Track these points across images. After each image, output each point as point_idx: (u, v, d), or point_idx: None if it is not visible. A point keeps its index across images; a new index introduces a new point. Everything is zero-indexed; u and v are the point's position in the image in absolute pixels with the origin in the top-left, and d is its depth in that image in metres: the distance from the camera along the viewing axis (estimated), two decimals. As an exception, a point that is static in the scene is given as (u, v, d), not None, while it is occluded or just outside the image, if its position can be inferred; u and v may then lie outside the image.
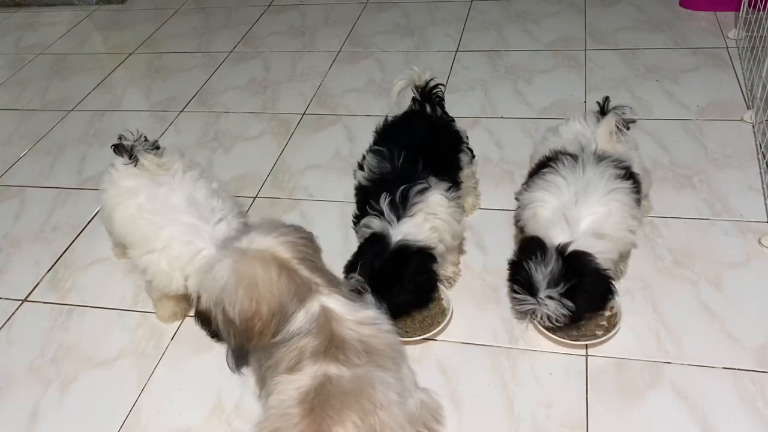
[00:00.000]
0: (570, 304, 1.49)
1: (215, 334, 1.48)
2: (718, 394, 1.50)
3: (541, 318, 1.55)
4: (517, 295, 1.55)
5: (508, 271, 1.63)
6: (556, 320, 1.52)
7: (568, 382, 1.58)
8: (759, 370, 1.54)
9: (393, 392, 1.26)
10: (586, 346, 1.63)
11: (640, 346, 1.63)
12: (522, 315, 1.63)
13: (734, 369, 1.55)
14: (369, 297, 1.53)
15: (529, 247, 1.55)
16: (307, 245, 1.40)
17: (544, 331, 1.65)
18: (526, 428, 1.49)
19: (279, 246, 1.34)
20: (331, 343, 1.28)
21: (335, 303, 1.33)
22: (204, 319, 1.44)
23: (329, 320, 1.30)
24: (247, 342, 1.34)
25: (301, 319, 1.30)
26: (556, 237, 1.54)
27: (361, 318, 1.33)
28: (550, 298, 1.49)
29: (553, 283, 1.49)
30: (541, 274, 1.49)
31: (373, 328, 1.33)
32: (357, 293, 1.51)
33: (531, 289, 1.52)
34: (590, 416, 1.50)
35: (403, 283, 1.57)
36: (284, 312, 1.31)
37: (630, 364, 1.59)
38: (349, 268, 1.61)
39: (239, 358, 1.40)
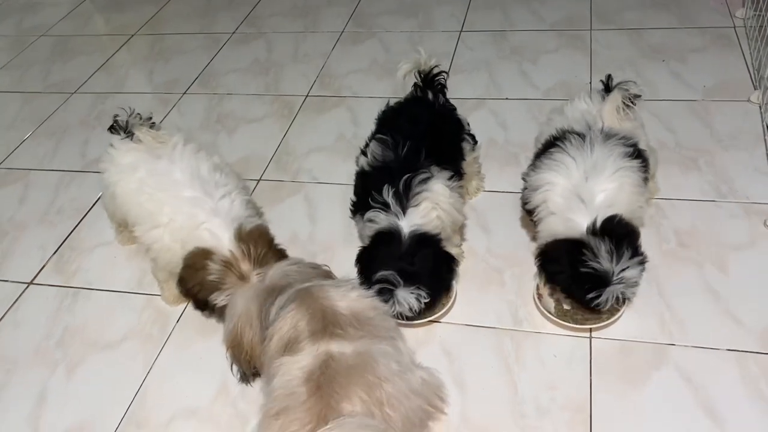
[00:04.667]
0: (643, 257, 1.48)
1: (199, 308, 1.65)
2: (722, 376, 1.51)
3: (621, 296, 1.49)
4: (595, 295, 1.49)
5: (567, 289, 1.57)
6: (635, 284, 1.49)
7: (571, 364, 1.58)
8: (763, 352, 1.54)
9: (393, 362, 1.29)
10: (590, 329, 1.63)
11: (644, 329, 1.63)
12: (608, 310, 1.55)
13: (738, 351, 1.55)
14: (401, 291, 1.54)
15: (569, 252, 1.51)
16: (302, 271, 1.50)
17: (548, 314, 1.65)
18: (530, 410, 1.50)
19: (277, 278, 1.48)
20: (326, 319, 1.30)
21: (311, 283, 1.39)
22: (188, 295, 1.64)
23: (309, 290, 1.33)
24: (247, 366, 1.47)
25: (278, 302, 1.37)
26: (577, 218, 1.52)
27: (337, 283, 1.37)
28: (627, 268, 1.46)
29: (618, 257, 1.46)
30: (605, 261, 1.46)
31: (355, 292, 1.39)
32: (388, 292, 1.53)
33: (604, 279, 1.47)
34: (594, 398, 1.50)
35: (433, 267, 1.58)
36: (267, 317, 1.39)
37: (634, 346, 1.60)
38: (364, 269, 1.61)
39: (245, 377, 1.55)
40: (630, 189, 1.56)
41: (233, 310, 1.46)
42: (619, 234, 1.50)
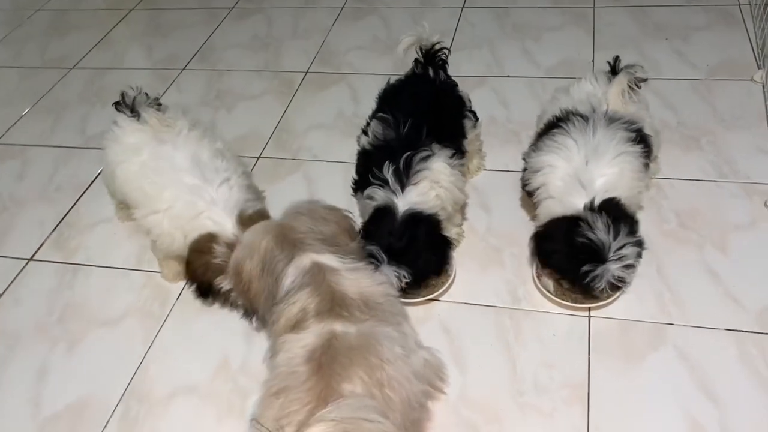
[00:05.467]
0: (641, 240, 1.47)
1: (203, 294, 1.62)
2: (720, 355, 1.52)
3: (615, 278, 1.48)
4: (589, 270, 1.47)
5: (557, 262, 1.57)
6: (630, 267, 1.48)
7: (570, 343, 1.59)
8: (761, 332, 1.55)
9: (397, 346, 1.28)
10: (589, 308, 1.64)
11: (644, 308, 1.63)
12: (602, 290, 1.52)
13: (736, 331, 1.56)
14: (385, 267, 1.53)
15: (564, 227, 1.51)
16: (325, 222, 1.45)
17: (547, 293, 1.66)
18: (529, 388, 1.51)
19: (290, 218, 1.45)
20: (334, 301, 1.30)
21: (327, 259, 1.38)
22: (193, 278, 1.60)
23: (323, 272, 1.34)
24: (244, 299, 1.46)
25: (292, 274, 1.35)
26: (575, 200, 1.52)
27: (352, 267, 1.37)
28: (624, 246, 1.45)
29: (615, 234, 1.45)
30: (601, 233, 1.45)
31: (365, 275, 1.37)
32: (373, 264, 1.52)
33: (600, 254, 1.46)
34: (592, 377, 1.51)
35: (421, 247, 1.57)
36: (273, 270, 1.37)
37: (633, 325, 1.60)
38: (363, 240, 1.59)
39: (248, 314, 1.55)
40: (630, 175, 1.56)
41: (242, 240, 1.46)
42: (617, 213, 1.50)
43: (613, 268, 1.46)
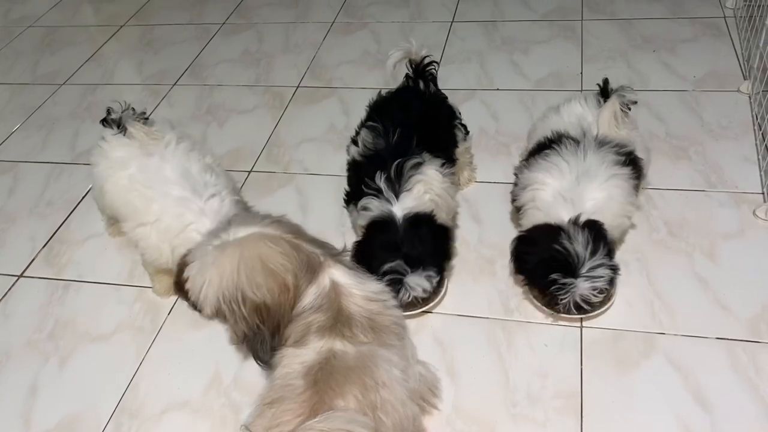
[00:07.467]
0: (617, 267, 1.48)
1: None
2: (711, 363, 1.52)
3: (582, 298, 1.49)
4: (560, 282, 1.48)
5: (528, 267, 1.59)
6: (600, 292, 1.49)
7: (562, 353, 1.59)
8: (751, 340, 1.55)
9: (396, 370, 1.27)
10: (581, 319, 1.64)
11: (635, 317, 1.64)
12: (566, 305, 1.54)
13: (727, 339, 1.56)
14: (411, 277, 1.55)
15: (543, 233, 1.52)
16: (294, 228, 1.39)
17: (539, 304, 1.66)
18: (522, 398, 1.51)
19: (267, 228, 1.31)
20: (338, 319, 1.28)
21: (343, 276, 1.33)
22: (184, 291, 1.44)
23: (339, 295, 1.31)
24: (282, 320, 1.31)
25: (312, 294, 1.30)
26: (560, 214, 1.53)
27: (368, 293, 1.34)
28: (599, 266, 1.46)
29: (593, 251, 1.46)
30: (580, 247, 1.46)
31: (380, 304, 1.35)
32: (396, 281, 1.54)
33: (572, 267, 1.47)
34: (584, 386, 1.51)
35: (433, 243, 1.59)
36: (297, 286, 1.30)
37: (624, 335, 1.61)
38: (364, 263, 1.55)
39: (272, 346, 1.34)
40: (620, 199, 1.57)
41: (258, 257, 1.26)
42: (599, 235, 1.50)
43: (583, 287, 1.48)
